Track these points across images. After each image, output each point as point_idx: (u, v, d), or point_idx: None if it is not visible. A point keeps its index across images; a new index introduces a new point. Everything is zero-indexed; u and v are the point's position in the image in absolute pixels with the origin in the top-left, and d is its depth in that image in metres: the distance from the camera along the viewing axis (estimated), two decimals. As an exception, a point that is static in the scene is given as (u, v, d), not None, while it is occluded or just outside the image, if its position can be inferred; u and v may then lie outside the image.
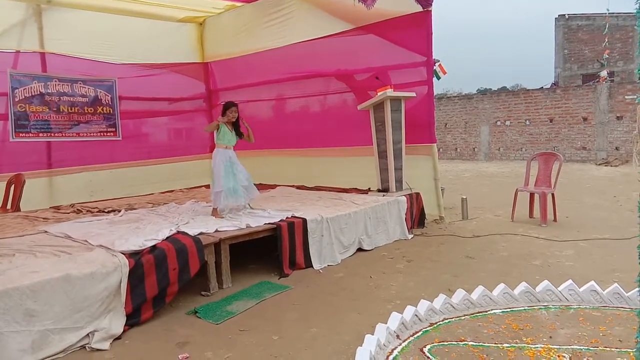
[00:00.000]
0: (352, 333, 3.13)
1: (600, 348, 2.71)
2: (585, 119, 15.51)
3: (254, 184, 5.40)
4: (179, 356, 2.89)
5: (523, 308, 3.33)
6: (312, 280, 4.34)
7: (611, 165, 13.93)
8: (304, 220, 4.74)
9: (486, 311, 3.29)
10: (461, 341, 2.84)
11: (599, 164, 14.41)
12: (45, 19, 7.26)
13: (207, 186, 7.73)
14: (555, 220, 6.43)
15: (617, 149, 14.89)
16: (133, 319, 3.36)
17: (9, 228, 4.86)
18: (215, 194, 5.07)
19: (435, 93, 6.92)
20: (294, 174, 7.90)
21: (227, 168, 5.07)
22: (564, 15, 22.27)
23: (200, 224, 4.54)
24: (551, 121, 16.18)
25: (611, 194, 8.75)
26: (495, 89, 26.50)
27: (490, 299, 3.39)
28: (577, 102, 15.68)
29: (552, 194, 6.45)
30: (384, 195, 6.04)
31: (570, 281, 3.51)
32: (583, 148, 15.58)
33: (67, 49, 7.44)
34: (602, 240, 5.36)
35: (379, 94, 5.98)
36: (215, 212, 5.07)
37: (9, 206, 6.23)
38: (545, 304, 3.39)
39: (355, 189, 6.79)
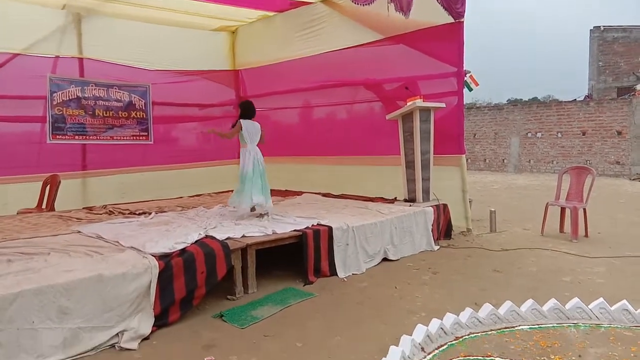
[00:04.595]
0: (376, 343, 3.12)
1: (632, 369, 2.64)
2: (619, 133, 15.12)
3: (271, 190, 5.55)
4: (205, 359, 2.93)
5: (552, 325, 3.27)
6: (336, 289, 4.34)
7: (646, 181, 13.54)
8: (330, 228, 4.76)
9: (513, 327, 3.24)
10: (487, 356, 2.81)
11: (633, 179, 14.00)
12: (85, 26, 7.51)
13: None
14: (586, 235, 6.28)
15: (652, 164, 14.46)
16: (161, 320, 3.43)
17: (44, 227, 5.02)
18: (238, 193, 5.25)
19: (464, 103, 6.86)
20: (320, 181, 7.93)
21: (255, 168, 5.26)
22: (599, 27, 21.77)
23: (228, 229, 4.61)
24: (584, 134, 15.82)
25: (646, 210, 8.50)
26: (526, 100, 26.03)
27: (518, 314, 3.34)
28: (611, 116, 15.30)
29: (584, 209, 6.30)
30: (410, 205, 6.01)
31: (601, 299, 3.43)
32: (617, 162, 15.18)
33: (104, 54, 7.67)
34: (635, 258, 5.21)
35: (408, 103, 5.97)
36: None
37: (44, 206, 6.45)
38: (574, 321, 3.31)
39: (382, 198, 6.77)
